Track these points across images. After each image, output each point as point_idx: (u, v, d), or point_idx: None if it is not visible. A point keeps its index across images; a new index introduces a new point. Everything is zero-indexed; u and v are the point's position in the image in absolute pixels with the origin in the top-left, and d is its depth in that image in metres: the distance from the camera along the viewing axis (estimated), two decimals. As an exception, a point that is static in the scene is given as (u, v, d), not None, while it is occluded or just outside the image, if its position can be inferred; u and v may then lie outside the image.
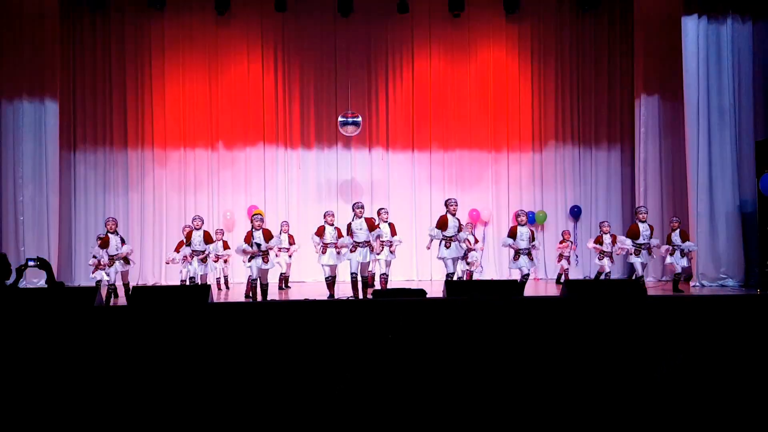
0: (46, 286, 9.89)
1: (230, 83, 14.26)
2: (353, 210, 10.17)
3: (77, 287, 11.62)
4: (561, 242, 12.90)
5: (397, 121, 14.63)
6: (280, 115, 14.41)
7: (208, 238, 10.89)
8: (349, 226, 10.06)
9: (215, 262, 11.60)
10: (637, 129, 13.88)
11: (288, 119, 14.43)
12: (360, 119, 13.19)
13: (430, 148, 14.66)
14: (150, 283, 13.65)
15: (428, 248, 10.80)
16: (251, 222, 10.28)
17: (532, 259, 10.45)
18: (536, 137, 14.74)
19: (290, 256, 12.25)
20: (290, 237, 12.33)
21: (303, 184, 14.45)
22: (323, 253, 10.10)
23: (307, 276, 13.74)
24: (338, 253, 9.97)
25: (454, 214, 10.10)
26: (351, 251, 9.84)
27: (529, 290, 11.54)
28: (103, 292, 9.75)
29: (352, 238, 9.86)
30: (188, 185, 14.15)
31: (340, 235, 10.12)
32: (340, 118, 13.22)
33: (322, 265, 10.24)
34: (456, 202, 10.26)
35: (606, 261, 11.31)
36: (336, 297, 9.65)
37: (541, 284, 13.36)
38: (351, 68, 14.41)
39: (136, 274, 13.49)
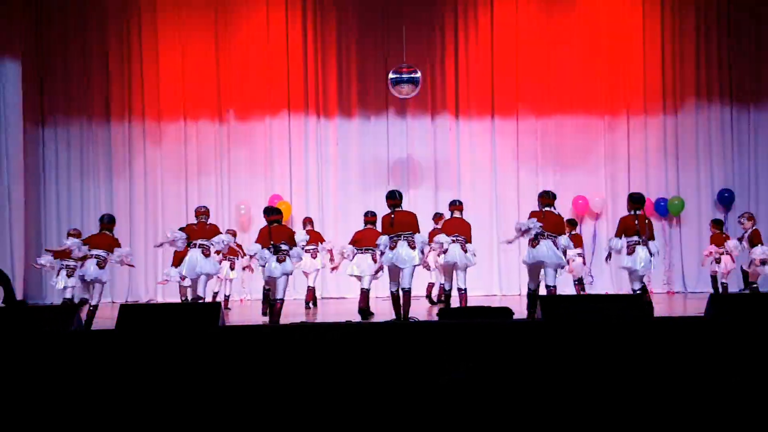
0: (2, 305, 10.26)
1: (244, 35, 14.45)
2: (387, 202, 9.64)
3: (48, 306, 11.97)
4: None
5: (470, 79, 14.58)
6: (311, 75, 14.53)
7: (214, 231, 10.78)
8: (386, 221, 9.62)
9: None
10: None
11: (321, 80, 14.54)
12: (419, 75, 13.18)
13: (516, 113, 14.60)
14: (143, 300, 13.94)
15: (509, 242, 10.53)
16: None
17: (652, 255, 9.89)
18: (669, 95, 14.55)
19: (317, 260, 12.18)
20: (314, 235, 12.08)
21: (342, 165, 14.55)
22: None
23: (348, 290, 13.81)
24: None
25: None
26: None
27: (659, 307, 11.28)
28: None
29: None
30: (190, 168, 14.43)
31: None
32: (391, 75, 13.24)
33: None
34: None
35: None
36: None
37: (678, 300, 13.14)
38: (407, 10, 14.42)
39: (124, 289, 13.84)
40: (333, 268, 11.55)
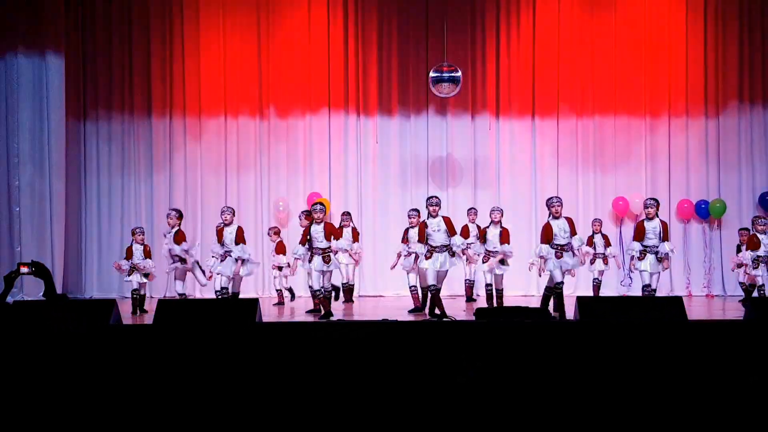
0: (43, 299, 10.42)
1: (286, 32, 14.49)
2: (426, 207, 10.48)
3: (87, 300, 12.13)
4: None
5: (511, 79, 14.51)
6: (351, 73, 14.54)
7: (240, 237, 11.22)
8: (422, 226, 10.38)
9: (274, 269, 12.40)
10: None
11: (362, 78, 14.55)
12: (459, 74, 13.14)
13: (557, 113, 14.51)
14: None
15: (536, 269, 10.99)
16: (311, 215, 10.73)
17: (661, 262, 10.34)
18: (711, 97, 14.41)
19: (355, 261, 12.55)
20: (354, 231, 12.64)
21: (382, 163, 14.55)
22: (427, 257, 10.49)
23: (386, 288, 13.88)
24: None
25: (558, 217, 10.39)
26: (426, 257, 10.29)
27: (698, 310, 11.29)
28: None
29: (426, 242, 10.30)
30: (230, 164, 14.51)
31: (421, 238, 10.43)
32: (432, 74, 13.23)
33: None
34: (560, 201, 10.50)
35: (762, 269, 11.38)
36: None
37: (717, 303, 13.01)
38: (449, 9, 14.39)
39: (162, 284, 13.96)
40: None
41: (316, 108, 14.54)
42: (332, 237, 10.50)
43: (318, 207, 10.61)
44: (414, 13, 14.48)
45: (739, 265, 11.88)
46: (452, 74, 13.06)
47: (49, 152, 13.28)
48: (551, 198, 10.58)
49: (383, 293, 13.89)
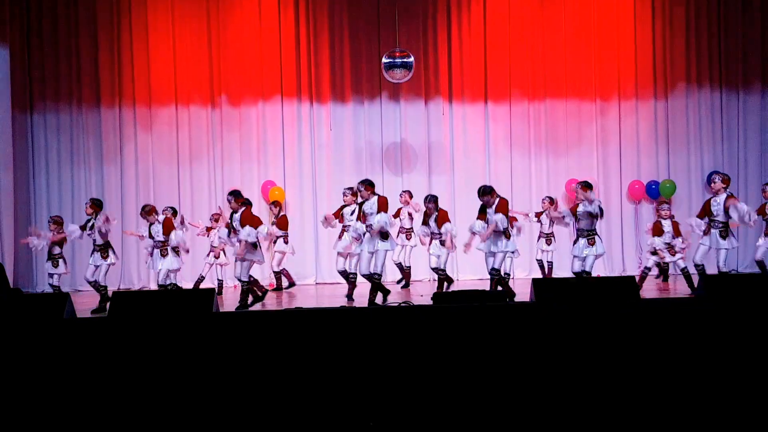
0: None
1: (237, 19, 14.36)
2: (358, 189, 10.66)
3: (41, 294, 11.96)
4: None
5: (463, 64, 14.57)
6: (303, 60, 14.47)
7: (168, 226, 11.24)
8: (361, 207, 10.60)
9: (216, 257, 12.49)
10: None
11: (314, 64, 14.49)
12: (412, 60, 13.15)
13: (509, 98, 14.61)
14: (136, 287, 13.95)
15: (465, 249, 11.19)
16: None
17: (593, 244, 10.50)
18: (659, 79, 14.63)
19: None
20: (280, 219, 12.88)
21: (336, 150, 14.53)
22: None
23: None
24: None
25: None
26: (359, 240, 10.59)
27: (650, 289, 11.51)
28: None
29: (365, 221, 10.48)
30: (182, 154, 14.37)
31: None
32: (384, 60, 13.22)
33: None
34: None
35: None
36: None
37: (669, 281, 13.22)
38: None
39: (116, 276, 13.81)
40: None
41: (268, 96, 14.45)
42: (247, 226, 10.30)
43: (232, 197, 10.51)
44: (366, 0, 14.45)
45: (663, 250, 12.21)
46: (404, 60, 13.06)
47: (-5, 145, 13.07)
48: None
49: (340, 280, 13.88)
